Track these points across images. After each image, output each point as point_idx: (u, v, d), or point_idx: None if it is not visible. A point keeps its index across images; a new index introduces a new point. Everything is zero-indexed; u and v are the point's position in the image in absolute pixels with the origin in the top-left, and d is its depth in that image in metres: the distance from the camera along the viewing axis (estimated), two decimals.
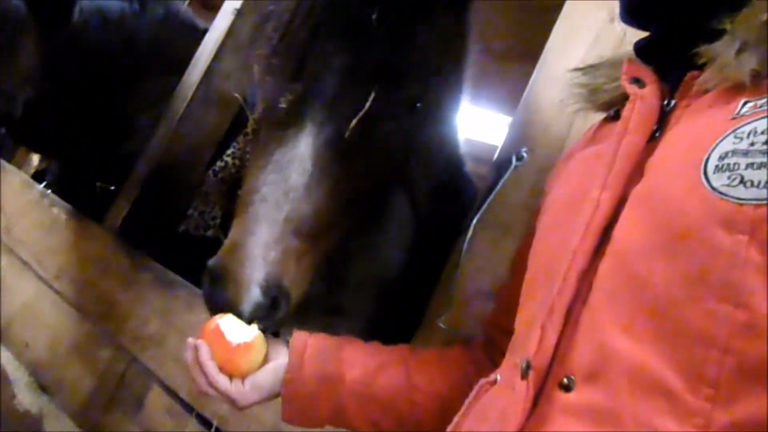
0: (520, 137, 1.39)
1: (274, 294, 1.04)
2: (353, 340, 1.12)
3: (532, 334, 0.70)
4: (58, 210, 1.95)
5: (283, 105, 1.10)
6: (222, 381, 0.98)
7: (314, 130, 1.10)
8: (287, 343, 1.08)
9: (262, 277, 1.03)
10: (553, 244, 0.80)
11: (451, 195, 1.67)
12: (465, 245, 1.28)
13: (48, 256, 1.91)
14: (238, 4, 1.89)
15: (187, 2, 2.59)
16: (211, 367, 0.99)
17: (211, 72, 1.85)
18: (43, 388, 1.79)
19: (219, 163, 2.30)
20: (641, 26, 0.92)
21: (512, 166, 1.29)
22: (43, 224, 1.96)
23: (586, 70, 0.99)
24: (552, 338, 0.68)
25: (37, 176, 2.40)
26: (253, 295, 1.01)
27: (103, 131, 2.00)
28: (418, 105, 1.21)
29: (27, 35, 1.63)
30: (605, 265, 0.68)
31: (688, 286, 0.58)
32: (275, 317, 1.06)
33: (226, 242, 1.08)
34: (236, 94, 1.31)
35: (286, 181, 1.08)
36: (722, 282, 0.56)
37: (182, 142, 1.86)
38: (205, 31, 2.05)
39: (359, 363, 1.06)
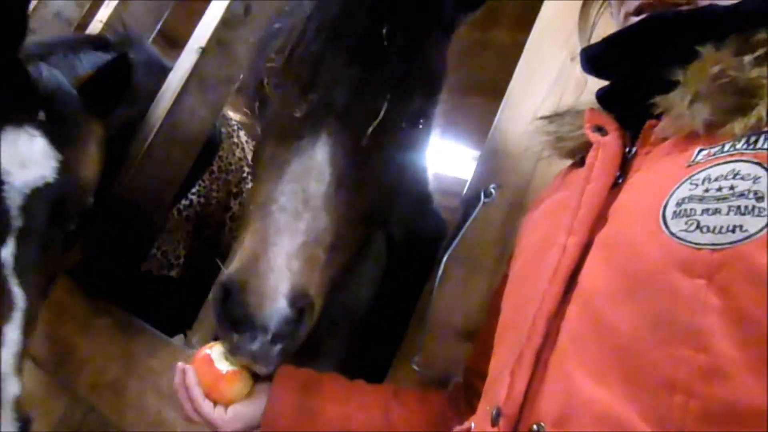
0: (488, 174, 1.41)
1: (300, 305, 1.00)
2: (337, 377, 1.13)
3: (502, 381, 0.71)
4: None
5: (298, 114, 1.10)
6: (206, 406, 1.01)
7: (330, 139, 1.10)
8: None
9: (288, 287, 0.98)
10: (522, 289, 0.81)
11: (422, 230, 1.66)
12: (436, 283, 1.27)
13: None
14: (202, 42, 1.88)
15: (150, 39, 2.56)
16: (197, 392, 1.02)
17: (175, 110, 1.82)
18: None
19: (184, 202, 2.25)
20: (601, 76, 0.96)
21: (480, 203, 1.29)
22: None
23: (552, 118, 1.02)
24: (521, 384, 0.68)
25: None
26: (279, 307, 0.96)
27: None
28: (422, 121, 1.24)
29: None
30: (572, 310, 0.68)
31: (652, 330, 0.59)
32: (299, 332, 1.01)
33: (242, 255, 1.03)
34: (245, 109, 1.29)
35: (305, 191, 1.06)
36: (683, 326, 0.57)
37: (144, 180, 1.82)
38: (169, 70, 2.03)
39: (340, 399, 1.06)
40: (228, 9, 1.92)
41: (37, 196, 1.30)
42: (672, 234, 0.60)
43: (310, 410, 1.03)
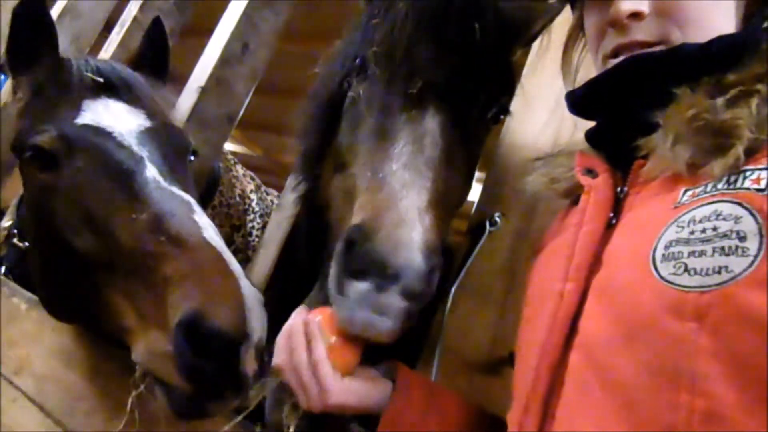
0: (492, 201, 1.40)
1: (433, 264, 0.93)
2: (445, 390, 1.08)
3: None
4: (18, 300, 1.85)
5: (412, 91, 1.15)
6: (327, 366, 0.92)
7: (436, 114, 1.15)
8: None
9: (422, 240, 0.92)
10: (526, 338, 0.82)
11: None
12: (445, 315, 1.26)
13: (8, 349, 1.80)
14: (202, 82, 1.89)
15: None
16: (321, 348, 0.94)
17: None
18: None
19: None
20: (588, 118, 0.97)
21: (486, 232, 1.29)
22: (2, 315, 1.87)
23: (546, 159, 1.04)
24: None
25: None
26: (415, 258, 0.89)
27: None
28: (502, 118, 1.33)
29: None
30: (574, 358, 0.69)
31: (650, 376, 0.59)
32: (427, 295, 0.93)
33: (366, 209, 0.99)
34: (339, 87, 1.34)
35: (423, 153, 1.09)
36: (679, 371, 0.57)
37: None
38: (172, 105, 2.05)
39: (462, 408, 1.02)
40: (226, 48, 1.94)
41: None
42: (662, 278, 0.61)
43: (437, 411, 0.97)
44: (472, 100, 1.20)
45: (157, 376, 1.14)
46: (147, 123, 1.43)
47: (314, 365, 0.93)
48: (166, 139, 1.43)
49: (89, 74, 1.45)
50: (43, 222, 1.37)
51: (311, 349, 0.94)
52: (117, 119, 1.39)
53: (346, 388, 0.93)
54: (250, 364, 1.03)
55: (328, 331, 0.96)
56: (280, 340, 1.00)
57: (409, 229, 0.93)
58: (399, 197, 0.98)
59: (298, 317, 1.01)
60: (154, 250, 1.13)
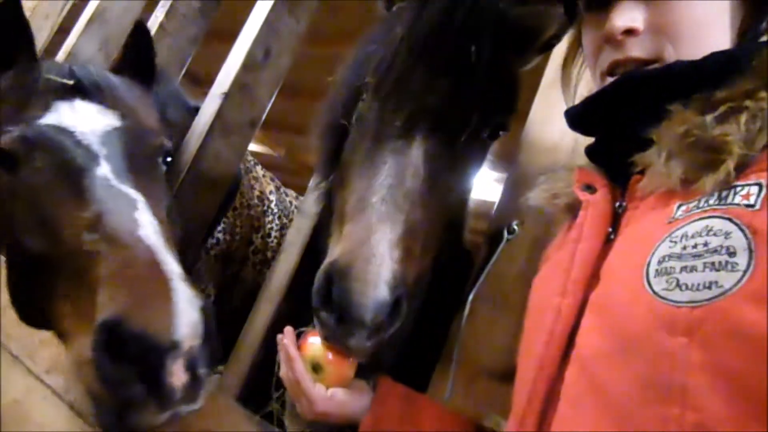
0: (511, 208, 1.40)
1: (399, 294, 1.05)
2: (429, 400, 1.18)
3: None
4: None
5: (398, 123, 1.20)
6: (309, 383, 1.07)
7: (423, 142, 1.19)
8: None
9: (390, 275, 1.04)
10: (525, 352, 0.84)
11: (453, 262, 1.65)
12: (463, 322, 1.27)
13: (39, 349, 1.86)
14: (225, 88, 1.93)
15: (179, 79, 2.65)
16: (299, 367, 1.08)
17: (201, 154, 1.86)
18: None
19: (211, 240, 2.30)
20: (585, 134, 0.99)
21: (504, 240, 1.29)
22: None
23: (548, 174, 1.05)
24: None
25: None
26: (380, 293, 1.01)
27: None
28: (501, 134, 1.36)
29: None
30: (570, 372, 0.70)
31: (641, 390, 0.60)
32: (392, 324, 1.06)
33: (345, 242, 1.10)
34: (343, 121, 1.39)
35: (403, 185, 1.14)
36: (670, 385, 0.58)
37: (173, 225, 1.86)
38: (195, 109, 2.09)
39: (437, 417, 1.10)
40: (248, 54, 1.97)
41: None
42: (655, 293, 0.62)
43: (411, 421, 1.06)
44: (464, 123, 1.22)
45: (82, 385, 1.05)
46: (116, 123, 1.40)
47: (296, 382, 1.07)
48: (136, 139, 1.40)
49: (55, 77, 1.42)
50: (4, 225, 1.32)
51: (292, 369, 1.09)
52: (82, 119, 1.36)
53: (329, 399, 1.06)
54: (177, 375, 0.95)
55: (322, 347, 1.10)
56: (279, 354, 1.14)
57: (377, 266, 1.04)
58: (372, 232, 1.08)
59: (283, 338, 1.14)
60: (89, 249, 1.08)
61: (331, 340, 1.07)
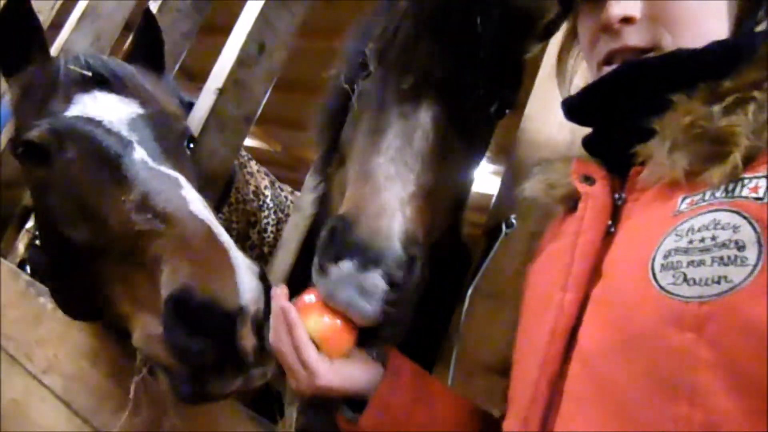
0: (509, 202, 1.39)
1: (412, 253, 0.95)
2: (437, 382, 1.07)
3: None
4: (45, 300, 1.90)
5: (404, 86, 1.17)
6: (312, 351, 0.91)
7: (430, 108, 1.16)
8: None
9: (402, 229, 0.95)
10: (525, 349, 0.81)
11: (451, 256, 1.64)
12: (462, 317, 1.26)
13: (36, 349, 1.85)
14: (219, 83, 1.91)
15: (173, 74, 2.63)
16: (302, 333, 0.92)
17: (196, 150, 1.85)
18: None
19: None
20: (582, 124, 0.97)
21: (502, 234, 1.28)
22: (30, 316, 1.92)
23: (544, 165, 1.03)
24: None
25: (24, 264, 2.37)
26: (393, 246, 0.92)
27: None
28: (507, 112, 1.33)
29: None
30: (573, 370, 0.68)
31: (647, 387, 0.59)
32: (409, 282, 0.94)
33: (351, 199, 1.03)
34: (345, 85, 1.36)
35: (411, 146, 1.10)
36: (677, 382, 0.57)
37: None
38: (190, 105, 2.07)
39: (449, 397, 1.02)
40: (243, 48, 1.95)
41: None
42: (661, 288, 0.60)
43: (424, 400, 0.96)
44: (470, 93, 1.19)
45: (155, 360, 1.10)
46: (140, 110, 1.42)
47: (297, 350, 0.91)
48: (161, 125, 1.42)
49: (76, 68, 1.44)
50: (43, 218, 1.36)
51: (292, 335, 0.92)
52: (107, 109, 1.38)
53: (333, 370, 0.91)
54: (248, 339, 0.97)
55: (318, 312, 0.94)
56: (271, 323, 0.98)
57: (389, 218, 0.96)
58: (382, 189, 1.01)
59: (277, 302, 0.97)
60: (142, 229, 1.11)
61: (336, 299, 0.92)
